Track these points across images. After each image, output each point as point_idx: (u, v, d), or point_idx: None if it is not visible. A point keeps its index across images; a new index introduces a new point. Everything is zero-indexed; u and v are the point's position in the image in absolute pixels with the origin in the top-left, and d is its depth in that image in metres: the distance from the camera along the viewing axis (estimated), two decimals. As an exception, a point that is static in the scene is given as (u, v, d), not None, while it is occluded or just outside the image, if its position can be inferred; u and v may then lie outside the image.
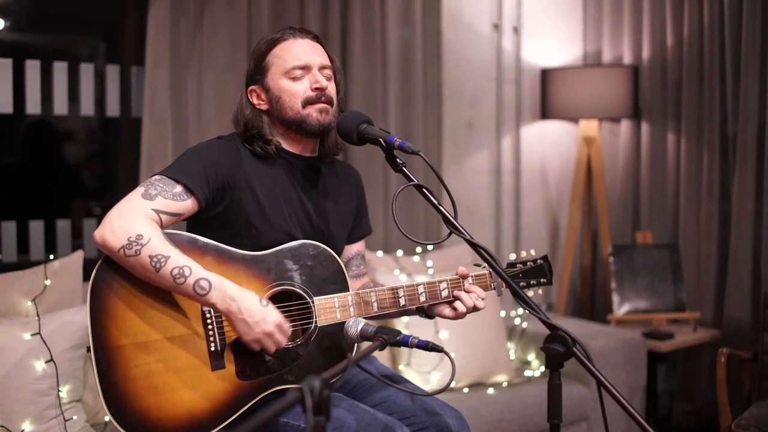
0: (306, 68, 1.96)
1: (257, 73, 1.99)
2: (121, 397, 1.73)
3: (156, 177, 1.83)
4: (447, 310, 1.99)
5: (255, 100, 1.99)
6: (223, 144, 1.95)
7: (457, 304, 1.97)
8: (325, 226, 2.03)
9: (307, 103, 1.94)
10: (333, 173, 2.11)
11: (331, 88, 1.99)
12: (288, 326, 1.81)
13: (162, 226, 1.79)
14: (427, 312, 2.02)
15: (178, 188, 1.82)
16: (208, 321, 1.80)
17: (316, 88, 1.95)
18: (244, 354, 1.83)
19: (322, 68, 1.98)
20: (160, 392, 1.76)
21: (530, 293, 2.07)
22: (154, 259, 1.71)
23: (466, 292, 1.97)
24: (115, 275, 1.77)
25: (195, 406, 1.78)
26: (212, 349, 1.80)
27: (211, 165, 1.87)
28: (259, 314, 1.75)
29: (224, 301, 1.74)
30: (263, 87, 1.98)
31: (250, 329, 1.75)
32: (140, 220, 1.74)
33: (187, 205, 1.83)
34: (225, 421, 1.80)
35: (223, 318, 1.81)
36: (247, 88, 2.01)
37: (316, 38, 2.02)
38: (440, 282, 1.98)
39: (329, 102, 1.97)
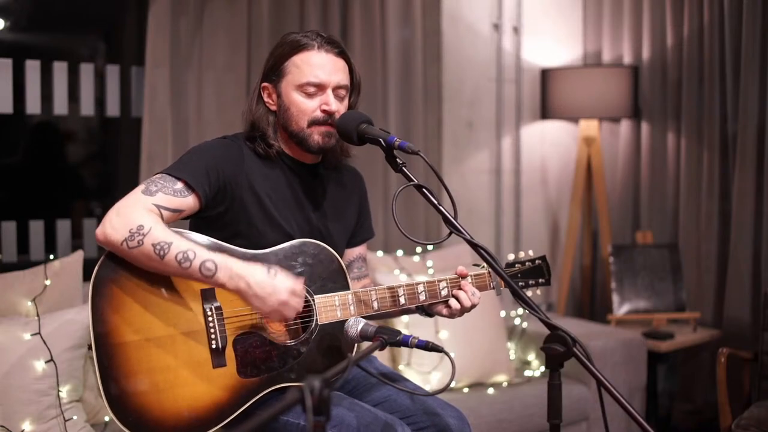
0: (320, 87, 1.94)
1: (274, 73, 1.98)
2: (121, 394, 1.73)
3: (158, 175, 1.84)
4: (443, 309, 2.00)
5: (266, 98, 1.99)
6: (226, 144, 1.95)
7: (452, 301, 1.97)
8: (325, 230, 2.03)
9: (313, 123, 1.93)
10: (336, 177, 2.10)
11: (342, 111, 1.97)
12: (302, 287, 1.80)
13: (163, 222, 1.79)
14: (426, 310, 2.03)
15: (179, 185, 1.82)
16: (209, 319, 1.80)
17: (324, 111, 1.93)
18: (245, 352, 1.83)
19: (337, 88, 1.95)
20: (161, 389, 1.76)
21: (528, 293, 2.07)
22: (158, 247, 1.71)
23: (461, 290, 1.97)
24: (116, 273, 1.77)
25: (196, 403, 1.78)
26: (213, 346, 1.80)
27: (214, 164, 1.87)
28: (269, 286, 1.75)
29: (232, 280, 1.74)
30: (276, 90, 1.98)
31: (264, 303, 1.75)
32: (139, 212, 1.75)
33: (188, 201, 1.83)
34: (226, 418, 1.81)
35: (224, 315, 1.81)
36: (262, 83, 2.00)
37: (341, 53, 1.98)
38: (440, 281, 1.99)
39: (335, 125, 1.94)
